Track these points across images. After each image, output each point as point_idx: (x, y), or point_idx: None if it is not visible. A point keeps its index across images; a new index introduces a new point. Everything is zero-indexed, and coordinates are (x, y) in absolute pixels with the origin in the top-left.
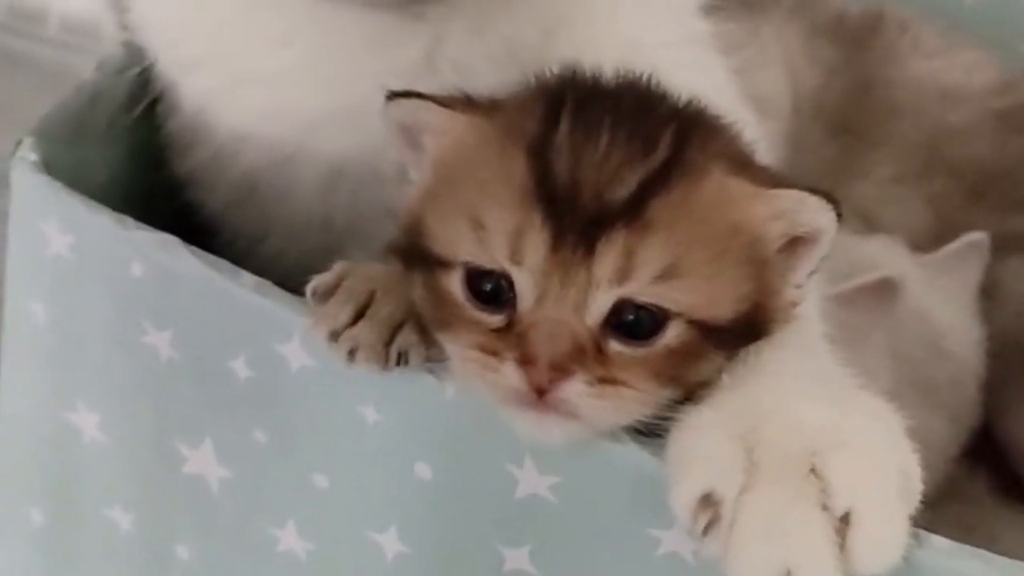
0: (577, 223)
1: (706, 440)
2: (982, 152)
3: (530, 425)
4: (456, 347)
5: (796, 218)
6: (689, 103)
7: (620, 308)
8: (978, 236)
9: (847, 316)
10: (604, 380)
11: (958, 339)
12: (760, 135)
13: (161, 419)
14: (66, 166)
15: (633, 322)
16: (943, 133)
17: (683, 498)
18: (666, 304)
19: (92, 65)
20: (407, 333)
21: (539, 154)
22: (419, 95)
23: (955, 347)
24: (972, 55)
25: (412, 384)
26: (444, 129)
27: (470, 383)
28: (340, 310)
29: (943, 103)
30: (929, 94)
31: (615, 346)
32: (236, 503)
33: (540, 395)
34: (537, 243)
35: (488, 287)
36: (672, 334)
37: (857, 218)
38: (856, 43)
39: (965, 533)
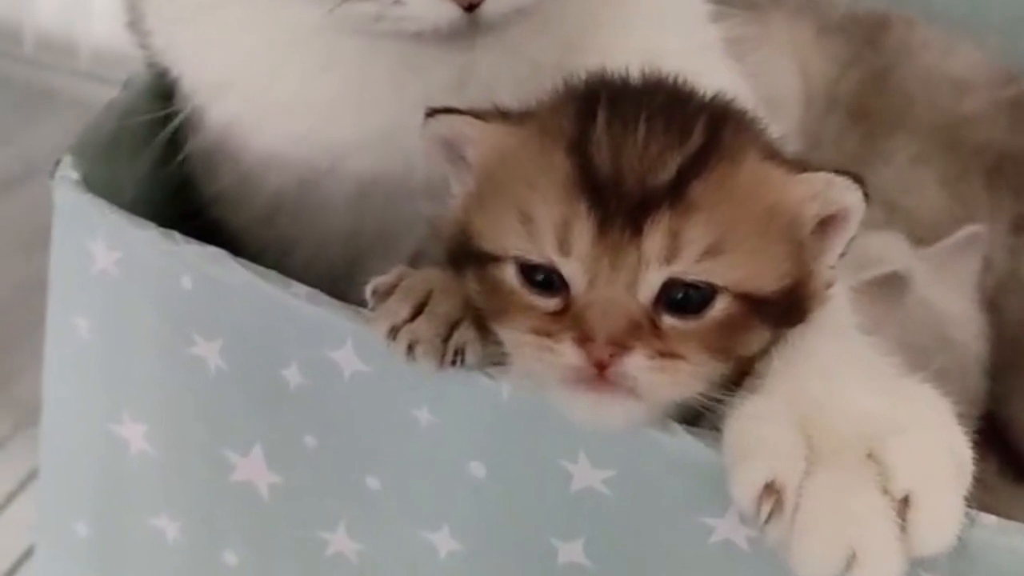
0: (622, 208)
1: (765, 428)
2: (997, 136)
3: (588, 405)
4: (513, 333)
5: (827, 198)
6: (717, 96)
7: (670, 286)
8: (976, 228)
9: (860, 308)
10: (663, 354)
11: (962, 327)
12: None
13: (209, 428)
14: (100, 183)
15: (683, 298)
16: (957, 119)
17: (746, 487)
18: (713, 279)
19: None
20: (464, 330)
21: (579, 148)
22: (458, 110)
23: (959, 335)
24: (974, 53)
25: (466, 385)
26: (483, 139)
27: (528, 367)
28: (400, 306)
29: (955, 93)
30: (941, 85)
31: (668, 321)
32: (286, 508)
33: (601, 371)
34: (583, 232)
35: (540, 277)
36: (720, 307)
37: (879, 206)
38: (866, 39)
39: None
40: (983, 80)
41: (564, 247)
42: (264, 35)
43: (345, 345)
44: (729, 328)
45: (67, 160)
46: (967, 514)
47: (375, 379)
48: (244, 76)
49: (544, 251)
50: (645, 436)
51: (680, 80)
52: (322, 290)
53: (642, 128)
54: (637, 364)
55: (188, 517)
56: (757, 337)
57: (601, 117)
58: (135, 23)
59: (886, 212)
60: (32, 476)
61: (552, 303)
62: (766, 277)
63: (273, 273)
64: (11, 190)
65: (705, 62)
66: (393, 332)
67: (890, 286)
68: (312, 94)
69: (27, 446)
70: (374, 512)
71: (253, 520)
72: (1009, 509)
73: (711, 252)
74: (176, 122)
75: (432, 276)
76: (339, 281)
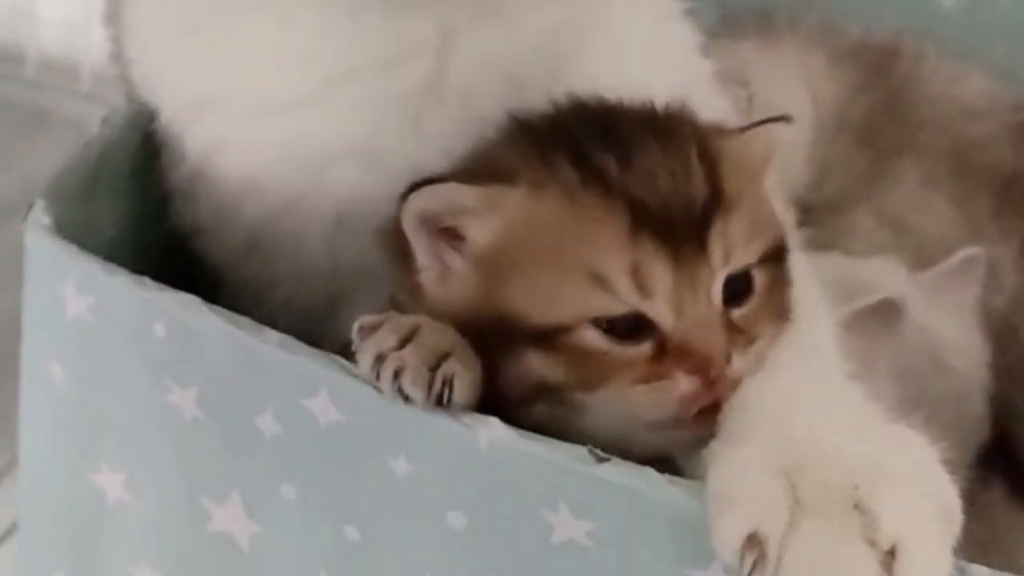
0: (685, 233)
1: (748, 477)
2: (1006, 158)
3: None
4: (618, 392)
5: (769, 143)
6: (668, 105)
7: (727, 284)
8: (974, 251)
9: (851, 340)
10: (748, 343)
11: (960, 354)
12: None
13: (187, 476)
14: (77, 225)
15: (735, 287)
16: (967, 143)
17: (728, 538)
18: (748, 261)
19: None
20: (452, 362)
21: (619, 191)
22: (443, 179)
23: (957, 362)
24: (984, 81)
25: (443, 433)
26: (493, 209)
27: (638, 416)
28: (387, 336)
29: (964, 119)
30: (951, 111)
31: (736, 313)
32: (266, 558)
33: (711, 387)
34: (661, 269)
35: (625, 327)
36: (759, 280)
37: (889, 226)
38: (878, 66)
39: (980, 550)
40: (993, 106)
41: (645, 290)
42: (233, 35)
43: (320, 394)
44: (771, 292)
45: (39, 204)
46: (956, 565)
47: (350, 428)
48: (218, 87)
49: (628, 301)
50: (625, 486)
51: (630, 97)
52: (303, 329)
53: (658, 152)
54: (739, 366)
55: (169, 567)
56: (787, 284)
57: (618, 154)
58: (117, 54)
59: (895, 232)
60: None
61: (646, 348)
62: (768, 232)
63: (246, 320)
64: (13, 216)
65: (695, 95)
66: (379, 360)
67: (884, 314)
68: (284, 93)
69: None
70: (354, 562)
71: (233, 570)
72: (1008, 539)
73: (747, 240)
74: (153, 156)
75: (419, 317)
76: (320, 321)
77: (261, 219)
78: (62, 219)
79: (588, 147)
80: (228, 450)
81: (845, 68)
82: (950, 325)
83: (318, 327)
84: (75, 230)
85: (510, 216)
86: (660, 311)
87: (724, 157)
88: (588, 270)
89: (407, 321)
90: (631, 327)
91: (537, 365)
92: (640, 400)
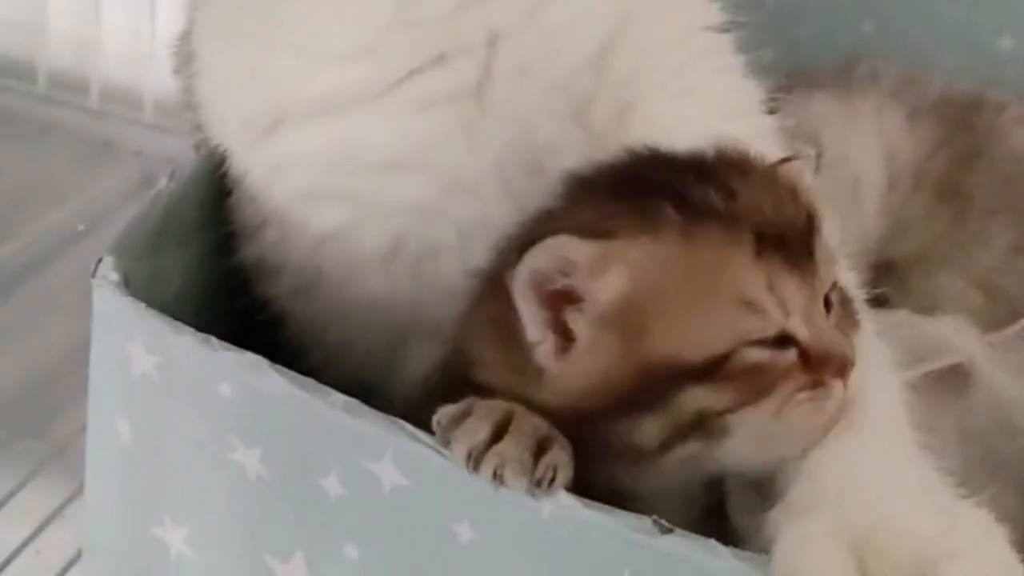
0: (799, 249)
1: (817, 552)
2: None
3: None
4: (781, 401)
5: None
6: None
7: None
8: None
9: (917, 402)
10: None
11: None
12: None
13: (250, 533)
14: (143, 279)
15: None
16: None
17: None
18: (835, 274)
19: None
20: (556, 451)
21: (730, 222)
22: (557, 234)
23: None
24: None
25: (509, 502)
26: (602, 264)
27: (800, 426)
28: (479, 427)
29: None
30: None
31: (834, 318)
32: None
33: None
34: (793, 287)
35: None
36: (838, 289)
37: (979, 289)
38: (959, 120)
39: None
40: None
41: (784, 307)
42: (298, 42)
43: (384, 458)
44: (844, 302)
45: (107, 261)
46: None
47: (415, 492)
48: (283, 94)
49: (776, 319)
50: (690, 558)
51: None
52: (364, 372)
53: (751, 181)
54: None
55: None
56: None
57: (715, 188)
58: (188, 103)
59: (987, 296)
60: None
61: (793, 355)
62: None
63: (311, 382)
64: (77, 244)
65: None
66: (473, 456)
67: (952, 378)
68: (341, 92)
69: None
70: None
71: None
72: None
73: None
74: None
75: (506, 403)
76: (382, 363)
77: (318, 246)
78: (130, 274)
79: (681, 188)
80: (292, 509)
81: (925, 123)
82: (1019, 384)
83: (379, 369)
84: (143, 284)
85: (631, 268)
86: (798, 325)
87: (795, 180)
88: (735, 298)
89: (497, 408)
90: (779, 344)
91: (702, 398)
92: (801, 409)
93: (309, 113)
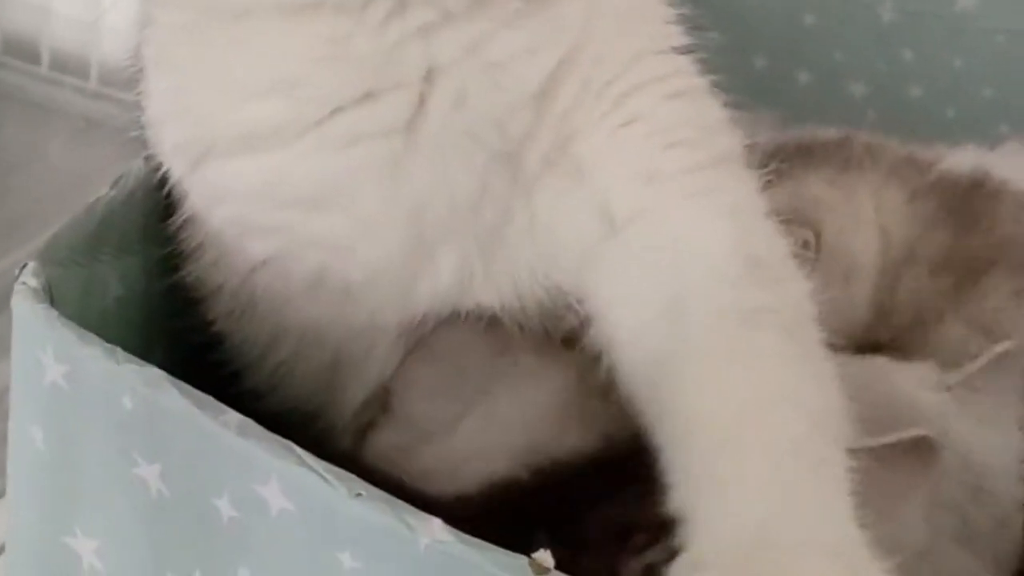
0: None
1: None
2: None
3: None
4: None
5: None
6: None
7: None
8: (1009, 345)
9: (883, 474)
10: None
11: (1000, 475)
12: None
13: (154, 550)
14: (75, 287)
15: None
16: None
17: None
18: None
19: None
20: None
21: None
22: None
23: (997, 485)
24: None
25: (387, 533)
26: None
27: None
28: None
29: None
30: None
31: None
32: None
33: None
34: None
35: None
36: None
37: (981, 335)
38: (961, 199)
39: None
40: None
41: None
42: (229, 74)
43: (271, 481)
44: None
45: (30, 267)
46: None
47: (299, 518)
48: (213, 125)
49: None
50: None
51: None
52: (302, 402)
53: None
54: None
55: None
56: None
57: None
58: (137, 118)
59: (989, 340)
60: None
61: None
62: None
63: (209, 399)
64: None
65: (718, 171)
66: None
67: (919, 450)
68: (269, 126)
69: None
70: None
71: None
72: None
73: None
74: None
75: None
76: (323, 385)
77: (250, 273)
78: (55, 281)
79: None
80: (190, 528)
81: (926, 204)
82: (987, 439)
83: (317, 396)
84: (75, 292)
85: None
86: None
87: None
88: None
89: None
90: None
91: None
92: None
93: (233, 148)
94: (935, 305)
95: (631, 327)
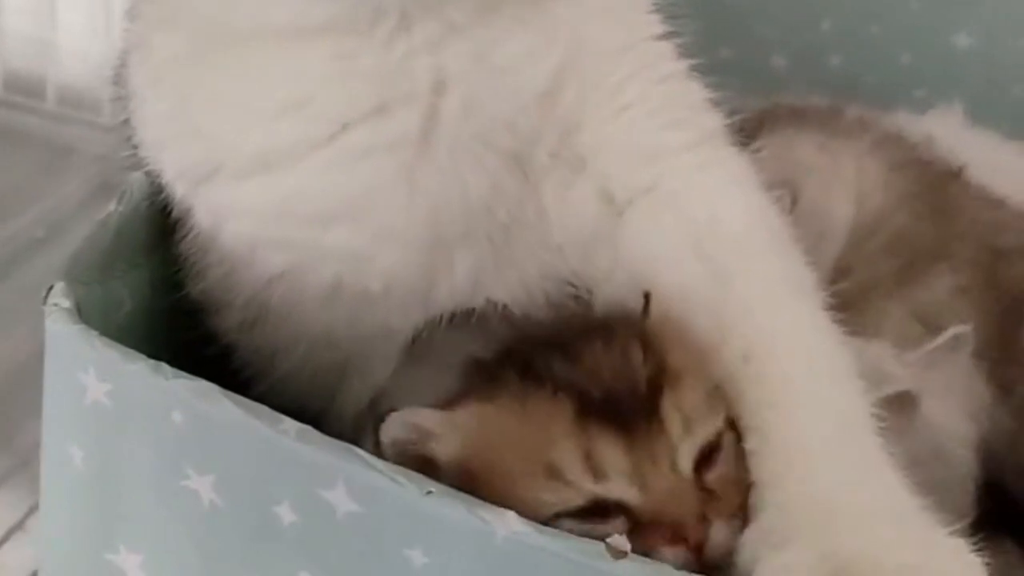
0: (632, 412)
1: None
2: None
3: None
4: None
5: None
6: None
7: (704, 451)
8: (962, 328)
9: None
10: (735, 511)
11: (955, 439)
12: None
13: (204, 559)
14: (95, 303)
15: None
16: (994, 254)
17: None
18: (718, 424)
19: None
20: None
21: (561, 389)
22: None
23: (954, 448)
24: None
25: (461, 527)
26: (448, 429)
27: None
28: None
29: (994, 230)
30: (984, 224)
31: (710, 478)
32: None
33: (698, 554)
34: (611, 451)
35: (594, 513)
36: (728, 441)
37: (918, 322)
38: (935, 183)
39: None
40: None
41: (599, 473)
42: (234, 95)
43: (337, 485)
44: (736, 456)
45: (58, 287)
46: None
47: (368, 519)
48: (220, 147)
49: (583, 487)
50: None
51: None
52: (305, 405)
53: (599, 346)
54: (724, 532)
55: None
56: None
57: (562, 357)
58: (126, 120)
59: (927, 330)
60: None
61: (621, 522)
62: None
63: (264, 409)
64: (38, 253)
65: (706, 151)
66: None
67: (900, 404)
68: (282, 146)
69: None
70: None
71: None
72: None
73: (707, 406)
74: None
75: None
76: (328, 391)
77: (263, 286)
78: (81, 299)
79: (530, 356)
80: (246, 536)
81: (904, 178)
82: (943, 407)
83: (322, 398)
84: (95, 309)
85: (466, 434)
86: (621, 490)
87: (669, 337)
88: (544, 465)
89: None
90: (600, 511)
91: None
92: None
93: (244, 169)
94: (883, 282)
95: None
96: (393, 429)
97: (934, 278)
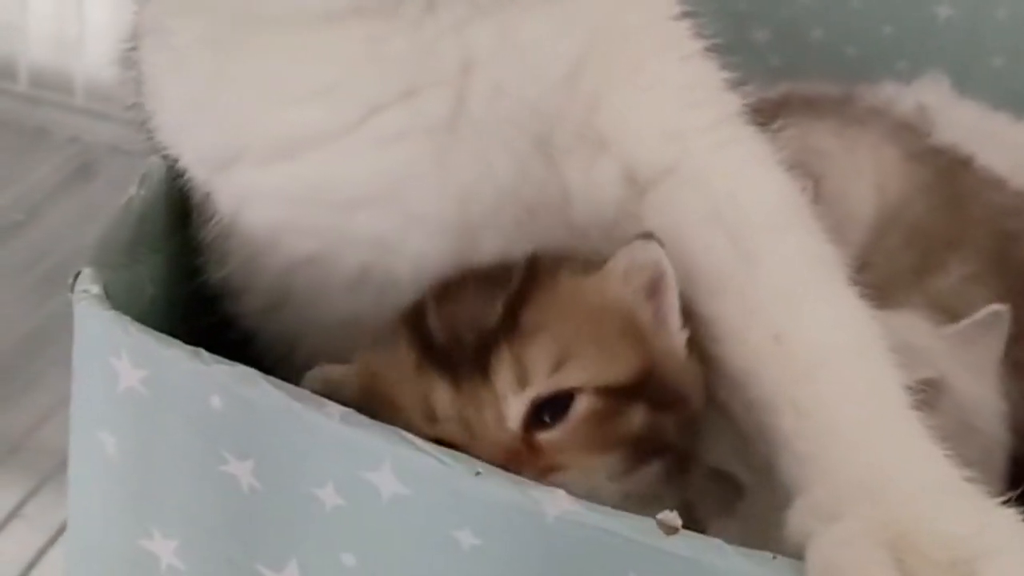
0: (467, 359)
1: (857, 553)
2: None
3: None
4: None
5: (633, 268)
6: (532, 254)
7: (537, 406)
8: (999, 307)
9: None
10: (547, 469)
11: (985, 414)
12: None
13: (243, 544)
14: (122, 289)
15: (550, 411)
16: (1005, 237)
17: None
18: (567, 385)
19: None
20: None
21: (417, 331)
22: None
23: (983, 423)
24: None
25: (511, 507)
26: (351, 377)
27: None
28: None
29: (1003, 214)
30: (994, 209)
31: (543, 436)
32: None
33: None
34: (440, 396)
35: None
36: (583, 406)
37: (937, 309)
38: (947, 171)
39: None
40: None
41: (431, 417)
42: (259, 79)
43: (383, 467)
44: (599, 420)
45: (86, 273)
46: None
47: (415, 501)
48: (245, 132)
49: (422, 429)
50: (695, 559)
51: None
52: None
53: (468, 292)
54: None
55: None
56: (632, 419)
57: (431, 299)
58: (138, 102)
59: (947, 316)
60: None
61: None
62: (617, 367)
63: (306, 392)
64: (14, 235)
65: (727, 131)
66: None
67: (927, 392)
68: (308, 131)
69: None
70: None
71: None
72: None
73: (557, 364)
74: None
75: None
76: None
77: (287, 271)
78: (111, 284)
79: (424, 305)
80: (286, 519)
81: (919, 167)
82: (975, 383)
83: None
84: (122, 294)
85: (360, 381)
86: (451, 433)
87: (546, 292)
88: (399, 409)
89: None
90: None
91: None
92: None
93: (270, 155)
94: (903, 275)
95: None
96: (309, 385)
97: (950, 267)
